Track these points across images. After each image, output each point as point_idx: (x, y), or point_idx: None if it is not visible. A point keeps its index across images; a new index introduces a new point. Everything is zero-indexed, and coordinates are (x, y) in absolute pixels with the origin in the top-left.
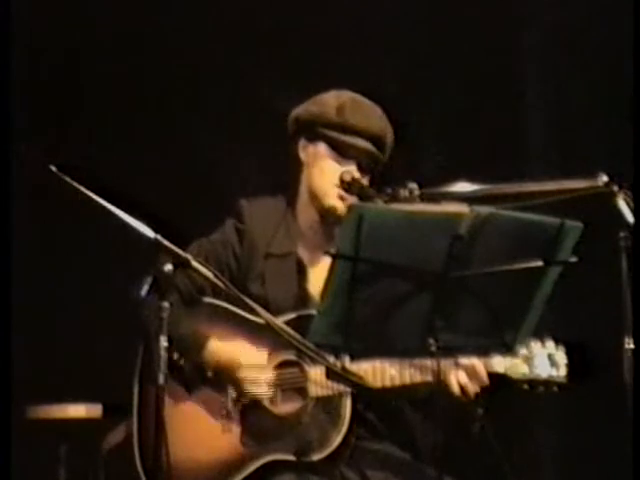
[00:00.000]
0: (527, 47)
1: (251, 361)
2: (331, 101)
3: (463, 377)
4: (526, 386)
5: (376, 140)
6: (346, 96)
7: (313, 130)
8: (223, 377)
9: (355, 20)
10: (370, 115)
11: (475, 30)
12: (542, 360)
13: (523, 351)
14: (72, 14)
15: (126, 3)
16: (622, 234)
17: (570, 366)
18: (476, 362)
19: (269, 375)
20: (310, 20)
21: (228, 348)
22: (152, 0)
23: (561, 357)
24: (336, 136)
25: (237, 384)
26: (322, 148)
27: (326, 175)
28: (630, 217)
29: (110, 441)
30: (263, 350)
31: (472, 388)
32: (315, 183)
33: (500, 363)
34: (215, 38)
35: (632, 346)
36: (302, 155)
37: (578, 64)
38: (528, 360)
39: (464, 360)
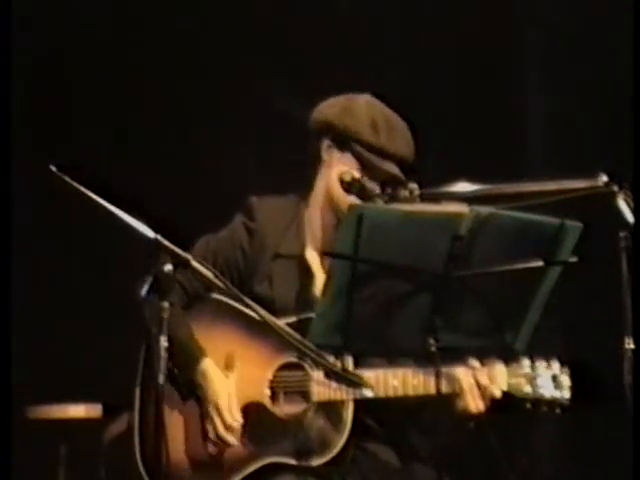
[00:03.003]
0: (527, 47)
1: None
2: (363, 114)
3: (477, 396)
4: (529, 405)
5: (404, 165)
6: (377, 109)
7: (344, 141)
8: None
9: (356, 20)
10: (402, 138)
11: (475, 30)
12: (546, 381)
13: (527, 370)
14: (73, 14)
15: (127, 3)
16: (622, 234)
17: (574, 388)
18: (486, 380)
19: (269, 379)
20: (311, 20)
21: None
22: (152, 0)
23: (565, 379)
24: (368, 157)
25: (210, 418)
26: (349, 160)
27: None
28: (630, 217)
29: (112, 432)
30: (262, 354)
31: (482, 407)
32: (337, 192)
33: (503, 381)
34: (215, 38)
35: (632, 346)
36: (325, 155)
37: (578, 64)
38: (532, 380)
39: (476, 375)
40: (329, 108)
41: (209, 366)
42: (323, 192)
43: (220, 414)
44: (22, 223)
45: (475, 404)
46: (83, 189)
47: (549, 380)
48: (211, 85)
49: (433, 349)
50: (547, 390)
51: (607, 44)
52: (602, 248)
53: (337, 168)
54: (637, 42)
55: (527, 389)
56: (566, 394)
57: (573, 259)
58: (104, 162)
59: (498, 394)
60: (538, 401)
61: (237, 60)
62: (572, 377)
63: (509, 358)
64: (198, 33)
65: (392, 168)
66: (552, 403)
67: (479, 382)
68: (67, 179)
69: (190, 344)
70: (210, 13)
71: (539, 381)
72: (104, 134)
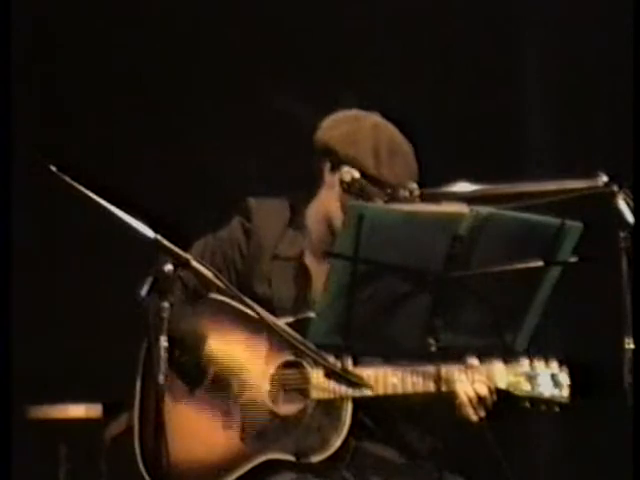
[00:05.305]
0: (527, 46)
1: (249, 365)
2: (366, 142)
3: (477, 407)
4: (528, 404)
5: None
6: (381, 134)
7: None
8: (221, 378)
9: (356, 22)
10: (405, 165)
11: (475, 30)
12: (545, 379)
13: (526, 369)
14: (73, 14)
15: (127, 3)
16: (622, 234)
17: (573, 387)
18: (486, 391)
19: (269, 377)
20: (312, 21)
21: (227, 349)
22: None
23: (564, 378)
24: (370, 189)
25: (234, 387)
26: None
27: None
28: (630, 217)
29: (112, 431)
30: (262, 352)
31: (483, 414)
32: (336, 215)
33: (502, 379)
34: (216, 38)
35: (632, 346)
36: (328, 177)
37: (578, 63)
38: (531, 379)
39: (476, 386)
40: (332, 130)
41: (216, 342)
42: (323, 213)
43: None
44: (22, 223)
45: (476, 414)
46: (83, 189)
47: (548, 379)
48: (211, 85)
49: (433, 349)
50: (546, 389)
51: (607, 44)
52: (602, 248)
53: (340, 196)
54: (637, 42)
55: (526, 387)
56: (565, 392)
57: (573, 259)
58: (104, 162)
59: (493, 401)
60: (537, 400)
61: (237, 60)
62: (572, 377)
63: (508, 357)
64: (199, 33)
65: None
66: (551, 402)
67: (478, 393)
68: (67, 179)
69: (194, 327)
70: (211, 12)
71: (538, 380)
72: (104, 134)
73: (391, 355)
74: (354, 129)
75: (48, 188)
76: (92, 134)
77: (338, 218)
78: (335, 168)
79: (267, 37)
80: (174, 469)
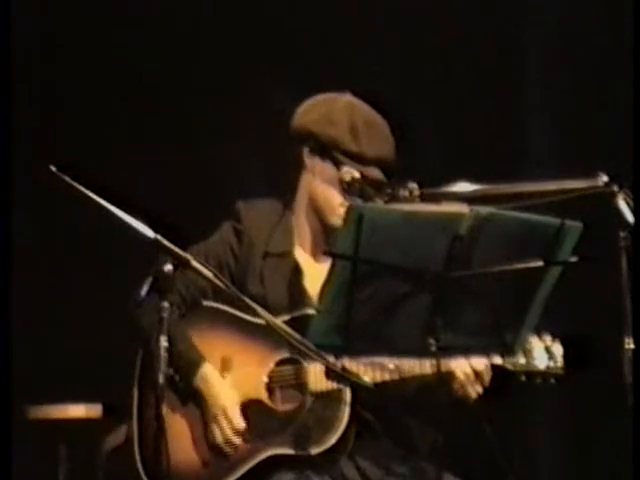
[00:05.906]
0: (527, 47)
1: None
2: (343, 120)
3: (475, 383)
4: (524, 377)
5: (387, 168)
6: (356, 112)
7: (325, 150)
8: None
9: (355, 19)
10: (382, 139)
11: (475, 29)
12: (540, 352)
13: None
14: (73, 14)
15: (127, 3)
16: (622, 234)
17: (567, 358)
18: (483, 366)
19: (266, 376)
20: (310, 19)
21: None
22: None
23: (558, 349)
24: (350, 164)
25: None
26: (331, 167)
27: (336, 195)
28: (630, 217)
29: (111, 442)
30: (258, 353)
31: (481, 390)
32: (322, 197)
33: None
34: (216, 37)
35: (632, 346)
36: (307, 161)
37: (578, 64)
38: (526, 352)
39: (472, 362)
40: (308, 115)
41: (209, 371)
42: (306, 197)
43: (227, 417)
44: (22, 223)
45: (474, 390)
46: (83, 189)
47: (542, 351)
48: (211, 85)
49: (433, 349)
50: (541, 361)
51: (607, 44)
52: (602, 248)
53: (325, 179)
54: (637, 42)
55: (521, 361)
56: (559, 363)
57: (573, 259)
58: (104, 162)
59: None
60: (533, 373)
61: (237, 60)
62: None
63: (508, 357)
64: (199, 33)
65: (374, 172)
66: (546, 373)
67: (475, 369)
68: (67, 179)
69: (189, 350)
70: (211, 12)
71: (533, 353)
72: (104, 134)
73: (391, 355)
74: (329, 110)
75: (48, 188)
76: (92, 134)
77: (322, 197)
78: (314, 151)
79: (267, 37)
80: (174, 472)
